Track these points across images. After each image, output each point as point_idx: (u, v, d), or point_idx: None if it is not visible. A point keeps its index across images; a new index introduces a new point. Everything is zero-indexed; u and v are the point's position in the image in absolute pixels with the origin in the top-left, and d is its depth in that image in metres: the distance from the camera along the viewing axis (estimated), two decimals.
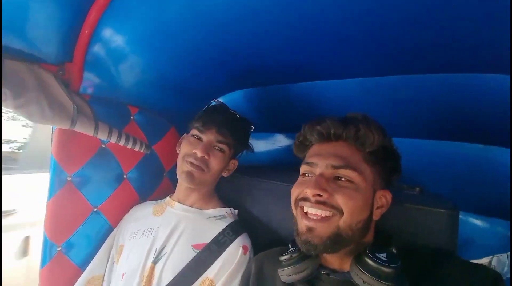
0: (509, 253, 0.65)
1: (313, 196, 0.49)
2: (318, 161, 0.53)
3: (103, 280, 0.77)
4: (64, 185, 0.73)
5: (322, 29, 0.59)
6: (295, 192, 0.55)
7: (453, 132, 0.74)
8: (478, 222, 0.74)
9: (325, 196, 0.48)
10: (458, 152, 0.76)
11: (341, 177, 0.51)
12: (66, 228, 0.75)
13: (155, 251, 0.70)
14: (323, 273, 0.53)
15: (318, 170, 0.52)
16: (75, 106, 0.67)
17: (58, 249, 0.74)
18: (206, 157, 0.74)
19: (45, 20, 0.59)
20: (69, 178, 0.74)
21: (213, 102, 0.84)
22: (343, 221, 0.48)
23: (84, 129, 0.70)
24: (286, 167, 1.05)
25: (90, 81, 0.74)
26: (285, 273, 0.54)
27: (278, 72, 0.78)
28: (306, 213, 0.51)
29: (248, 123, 0.84)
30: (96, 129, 0.72)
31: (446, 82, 0.65)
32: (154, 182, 0.97)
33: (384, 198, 0.53)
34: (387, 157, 0.54)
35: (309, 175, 0.54)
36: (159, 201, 0.87)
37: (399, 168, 0.57)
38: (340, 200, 0.48)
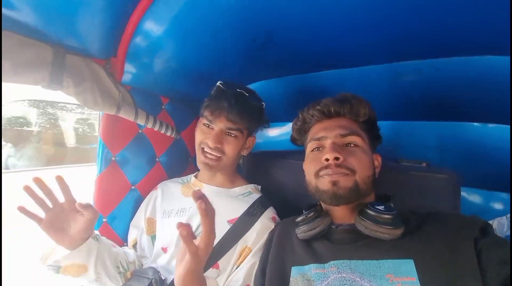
0: (508, 215, 0.71)
1: (333, 159, 0.58)
2: (327, 134, 0.62)
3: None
4: (109, 164, 0.84)
5: (332, 19, 0.64)
6: (311, 166, 0.63)
7: (453, 113, 0.81)
8: (478, 196, 0.80)
9: (341, 158, 0.58)
10: (459, 131, 0.82)
11: (349, 143, 0.61)
12: (110, 202, 0.86)
13: (192, 228, 0.77)
14: (333, 227, 0.62)
15: (329, 141, 0.62)
16: (120, 94, 0.78)
17: (104, 220, 0.85)
18: (219, 146, 0.76)
19: (97, 23, 0.70)
20: (113, 158, 0.85)
21: (219, 85, 0.79)
22: (358, 176, 0.58)
23: (127, 115, 0.81)
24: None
25: (129, 73, 0.85)
26: (302, 231, 0.63)
27: (294, 62, 0.86)
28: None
29: (259, 100, 0.82)
30: (136, 115, 0.83)
31: (442, 66, 0.71)
32: (182, 166, 1.08)
33: (377, 160, 0.66)
34: (374, 126, 0.67)
35: (320, 149, 0.64)
36: (184, 179, 0.92)
37: (380, 136, 0.70)
38: (353, 161, 0.59)
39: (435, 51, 0.71)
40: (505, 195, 0.77)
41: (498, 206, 0.78)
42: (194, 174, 0.91)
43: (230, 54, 0.85)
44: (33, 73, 0.62)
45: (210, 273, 0.71)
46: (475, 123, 0.80)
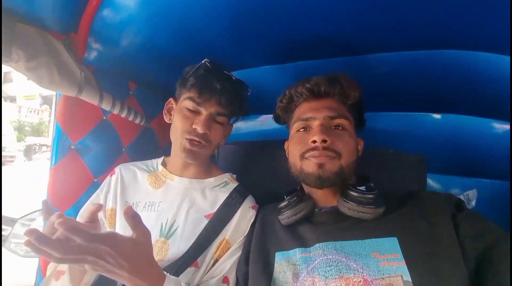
0: (465, 193, 0.79)
1: (321, 142, 0.57)
2: (316, 115, 0.61)
3: None
4: (68, 153, 0.75)
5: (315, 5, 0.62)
6: (297, 148, 0.61)
7: (416, 105, 0.87)
8: (436, 180, 0.89)
9: (329, 141, 0.57)
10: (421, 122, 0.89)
11: (337, 126, 0.60)
12: (69, 195, 0.76)
13: (163, 226, 0.69)
14: (316, 210, 0.62)
15: (316, 122, 0.61)
16: (82, 74, 0.70)
17: None
18: (208, 133, 0.69)
19: None
20: (72, 146, 0.76)
21: (205, 63, 0.71)
22: (344, 161, 0.58)
23: (90, 98, 0.73)
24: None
25: (93, 52, 0.76)
26: (286, 216, 0.62)
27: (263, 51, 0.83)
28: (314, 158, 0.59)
29: (245, 86, 0.76)
30: (101, 98, 0.75)
31: (407, 60, 0.75)
32: (151, 158, 0.99)
33: (360, 145, 0.66)
34: (361, 109, 0.67)
35: (306, 129, 0.62)
36: (149, 166, 0.80)
37: (364, 119, 0.70)
38: (340, 145, 0.58)
39: (402, 44, 0.75)
40: (460, 179, 0.86)
41: (455, 190, 0.87)
42: (161, 160, 0.81)
43: (211, 36, 0.78)
44: None
45: (188, 271, 0.65)
46: (435, 115, 0.87)
